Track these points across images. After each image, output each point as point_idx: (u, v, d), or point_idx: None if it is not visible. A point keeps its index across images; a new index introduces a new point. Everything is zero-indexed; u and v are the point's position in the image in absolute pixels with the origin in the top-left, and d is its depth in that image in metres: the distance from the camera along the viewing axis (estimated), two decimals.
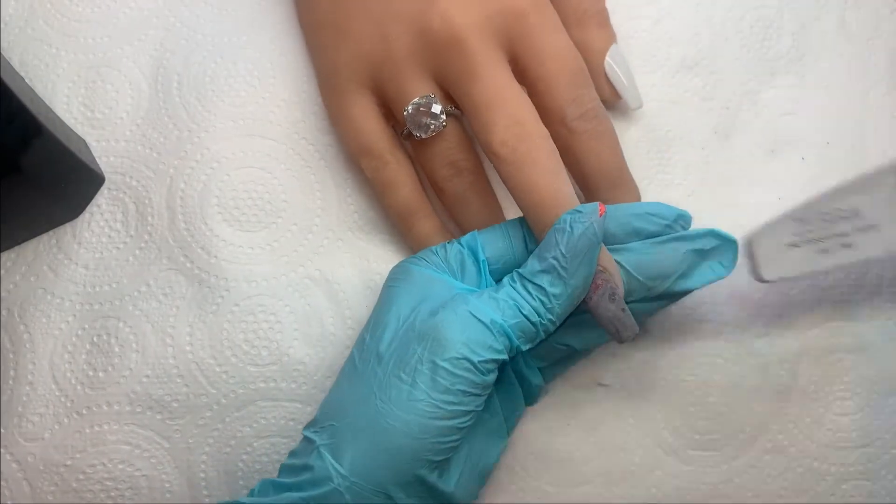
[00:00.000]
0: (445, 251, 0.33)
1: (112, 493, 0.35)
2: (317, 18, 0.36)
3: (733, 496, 0.36)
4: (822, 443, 0.36)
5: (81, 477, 0.34)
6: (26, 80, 0.38)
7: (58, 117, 0.37)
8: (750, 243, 0.33)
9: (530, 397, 0.34)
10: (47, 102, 0.38)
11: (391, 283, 0.33)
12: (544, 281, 0.30)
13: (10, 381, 0.35)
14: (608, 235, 0.32)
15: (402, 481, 0.28)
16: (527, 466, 0.36)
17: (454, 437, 0.29)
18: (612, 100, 0.38)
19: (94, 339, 0.36)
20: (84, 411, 0.35)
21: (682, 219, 0.33)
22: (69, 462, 0.34)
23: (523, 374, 0.33)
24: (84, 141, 0.37)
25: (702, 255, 0.32)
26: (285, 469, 0.30)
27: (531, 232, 0.33)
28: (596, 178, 0.34)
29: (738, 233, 0.37)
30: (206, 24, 0.39)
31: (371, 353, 0.30)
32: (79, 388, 0.35)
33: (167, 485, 0.35)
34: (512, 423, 0.34)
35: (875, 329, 0.37)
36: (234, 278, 0.36)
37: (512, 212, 0.36)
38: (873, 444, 0.36)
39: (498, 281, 0.33)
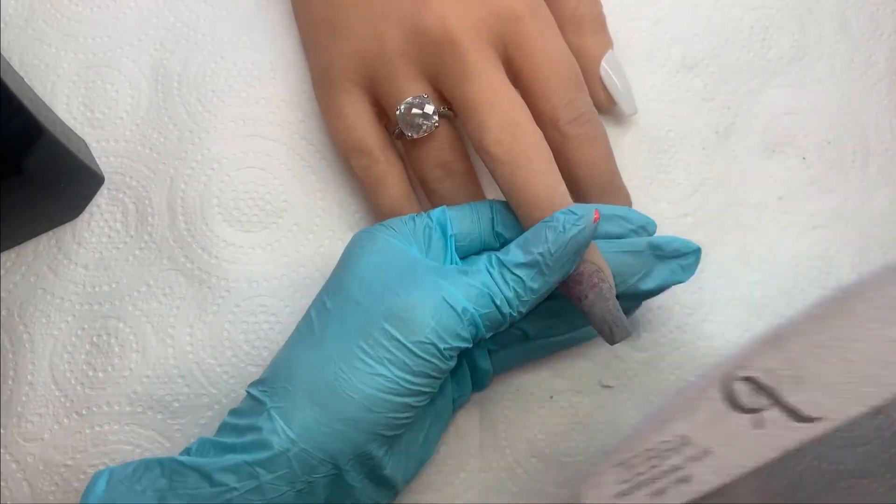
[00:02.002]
0: (414, 223, 0.33)
1: None
2: (312, 15, 0.36)
3: (732, 494, 0.36)
4: (822, 442, 0.36)
5: (83, 477, 0.34)
6: (26, 80, 0.38)
7: (58, 117, 0.37)
8: (579, 501, 0.29)
9: (479, 382, 0.35)
10: (47, 102, 0.38)
11: (355, 249, 0.32)
12: (525, 274, 0.30)
13: (10, 381, 0.35)
14: None
15: (352, 453, 0.28)
16: (529, 469, 0.36)
17: (408, 415, 0.29)
18: (607, 105, 0.38)
19: (94, 339, 0.36)
20: (84, 411, 0.35)
21: (649, 225, 0.34)
22: (70, 462, 0.34)
23: (474, 357, 0.34)
24: (84, 141, 0.37)
25: (662, 259, 0.33)
26: (227, 428, 0.29)
27: (500, 216, 0.33)
28: (587, 182, 0.34)
29: (739, 232, 0.38)
30: (206, 24, 0.39)
31: (332, 320, 0.30)
32: (79, 388, 0.35)
33: None
34: (458, 405, 0.35)
35: None
36: (234, 279, 0.36)
37: None
38: (872, 443, 0.37)
39: (462, 258, 0.33)
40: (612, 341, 0.31)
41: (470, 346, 0.30)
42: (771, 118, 0.40)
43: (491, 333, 0.30)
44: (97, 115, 0.38)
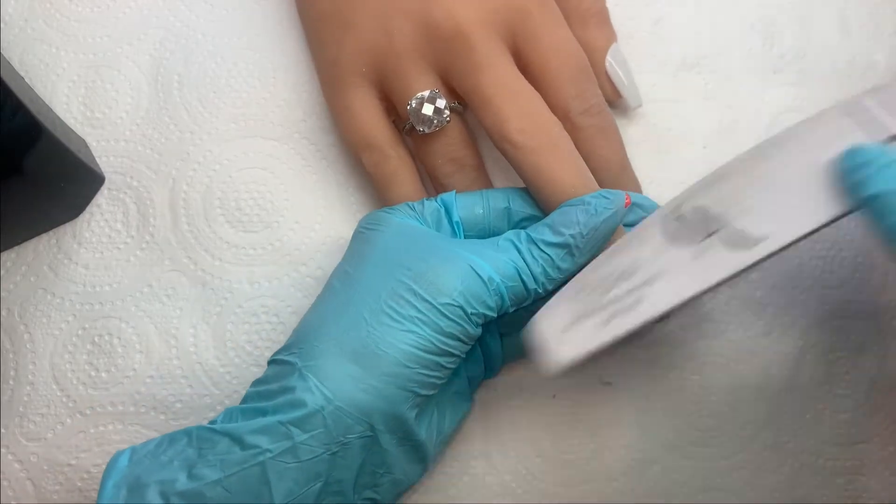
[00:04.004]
0: (423, 206, 0.33)
1: None
2: (319, 11, 0.36)
3: (730, 490, 0.36)
4: (820, 439, 0.37)
5: (86, 476, 0.35)
6: (26, 80, 0.38)
7: (58, 117, 0.37)
8: (527, 335, 0.30)
9: (490, 364, 0.35)
10: (47, 102, 0.38)
11: (369, 227, 0.32)
12: (554, 253, 0.30)
13: (11, 382, 0.35)
14: None
15: (387, 411, 0.28)
16: (532, 469, 0.36)
17: (438, 374, 0.29)
18: (612, 98, 0.38)
19: (95, 339, 0.36)
20: (87, 411, 0.35)
21: None
22: (73, 461, 0.35)
23: (485, 338, 0.34)
24: (84, 141, 0.37)
25: None
26: (254, 396, 0.29)
27: (516, 205, 0.33)
28: (599, 173, 0.34)
29: None
30: (206, 24, 0.39)
31: (358, 284, 0.30)
32: (80, 388, 0.35)
33: None
34: (473, 388, 0.35)
35: (875, 328, 0.38)
36: (237, 280, 0.36)
37: None
38: (871, 441, 0.37)
39: None
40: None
41: (496, 315, 0.30)
42: (772, 117, 0.39)
43: (515, 307, 0.31)
44: (97, 115, 0.38)
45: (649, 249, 0.29)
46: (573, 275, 0.31)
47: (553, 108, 0.33)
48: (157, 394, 0.35)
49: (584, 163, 0.33)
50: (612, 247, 0.30)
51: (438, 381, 0.29)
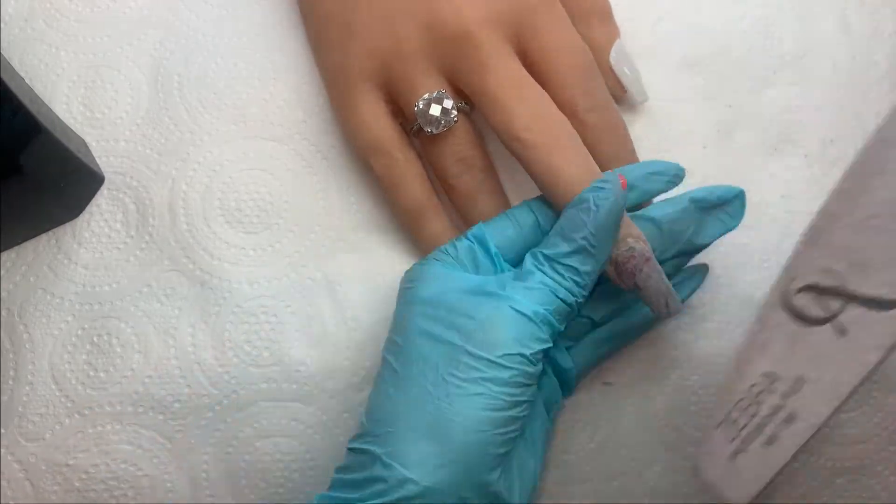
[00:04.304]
0: (455, 248, 0.32)
1: (115, 493, 0.34)
2: (323, 14, 0.36)
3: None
4: (819, 439, 0.36)
5: (84, 476, 0.34)
6: (26, 80, 0.38)
7: (57, 117, 0.37)
8: (699, 475, 0.27)
9: (566, 384, 0.34)
10: (47, 102, 0.37)
11: (409, 285, 0.32)
12: (575, 261, 0.30)
13: (10, 382, 0.35)
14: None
15: (473, 482, 0.28)
16: None
17: (514, 428, 0.29)
18: (617, 94, 0.38)
19: (95, 339, 0.36)
20: (86, 411, 0.35)
21: (680, 171, 0.34)
22: (72, 462, 0.34)
23: (555, 358, 0.33)
24: (84, 141, 0.37)
25: (706, 210, 0.34)
26: (341, 484, 0.29)
27: (543, 215, 0.33)
28: (607, 169, 0.34)
29: (740, 233, 0.38)
30: (206, 24, 0.39)
31: (411, 357, 0.30)
32: (79, 388, 0.35)
33: (169, 485, 0.35)
34: (554, 413, 0.34)
35: None
36: (236, 280, 0.36)
37: None
38: (870, 441, 0.37)
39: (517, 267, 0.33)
40: (668, 314, 0.31)
41: (551, 344, 0.30)
42: (772, 116, 0.39)
43: (565, 324, 0.31)
44: (97, 115, 0.38)
45: (779, 345, 0.25)
46: (600, 270, 0.31)
47: (560, 105, 0.33)
48: (156, 394, 0.35)
49: (592, 159, 0.33)
50: (739, 354, 0.26)
51: (514, 435, 0.29)
